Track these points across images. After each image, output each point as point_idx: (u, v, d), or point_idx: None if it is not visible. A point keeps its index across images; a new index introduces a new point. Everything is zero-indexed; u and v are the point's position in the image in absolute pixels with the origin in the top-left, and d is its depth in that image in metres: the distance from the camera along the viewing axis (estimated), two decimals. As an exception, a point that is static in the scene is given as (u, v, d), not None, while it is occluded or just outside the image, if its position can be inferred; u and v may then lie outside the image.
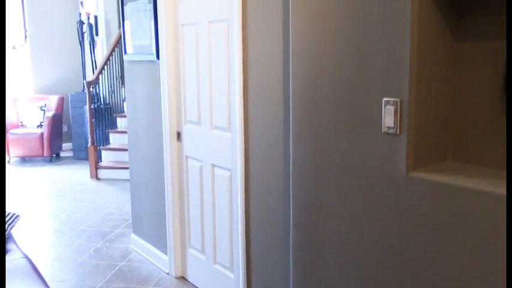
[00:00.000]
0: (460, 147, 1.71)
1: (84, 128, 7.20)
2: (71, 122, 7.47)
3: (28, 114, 7.43)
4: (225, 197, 2.89)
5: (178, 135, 3.32)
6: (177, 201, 3.40)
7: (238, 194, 2.66)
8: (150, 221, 3.75)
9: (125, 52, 3.76)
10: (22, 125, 7.43)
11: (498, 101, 1.58)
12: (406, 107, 1.62)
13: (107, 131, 6.60)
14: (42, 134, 7.14)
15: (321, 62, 1.92)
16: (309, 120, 2.00)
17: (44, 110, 7.44)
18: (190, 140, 3.19)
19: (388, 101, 1.66)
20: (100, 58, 7.65)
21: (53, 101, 7.50)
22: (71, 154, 7.72)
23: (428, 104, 1.67)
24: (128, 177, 5.35)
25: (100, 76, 6.53)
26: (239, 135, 2.60)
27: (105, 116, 6.68)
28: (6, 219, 2.65)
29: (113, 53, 6.56)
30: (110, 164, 6.34)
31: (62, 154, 7.80)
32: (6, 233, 2.61)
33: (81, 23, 7.64)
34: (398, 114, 1.64)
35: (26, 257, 2.48)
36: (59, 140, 7.52)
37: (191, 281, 3.36)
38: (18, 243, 2.68)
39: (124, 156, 6.24)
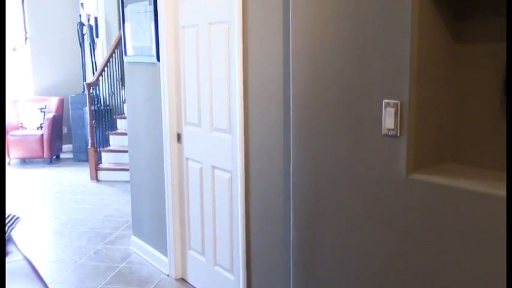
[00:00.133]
0: (460, 149, 1.71)
1: (84, 129, 7.20)
2: (71, 124, 7.47)
3: (28, 116, 7.43)
4: (225, 199, 2.89)
5: (179, 137, 3.32)
6: (177, 202, 3.40)
7: (239, 196, 2.66)
8: (150, 222, 3.74)
9: (125, 54, 3.76)
10: (22, 127, 7.43)
11: (498, 103, 1.59)
12: (406, 109, 1.62)
13: (107, 132, 6.60)
14: (42, 135, 7.14)
15: (321, 63, 1.92)
16: (309, 122, 2.00)
17: (44, 112, 7.44)
18: (191, 141, 3.19)
19: (389, 102, 1.67)
20: (100, 60, 7.65)
21: (53, 103, 7.50)
22: (71, 156, 7.72)
23: (429, 106, 1.67)
24: (128, 179, 5.34)
25: (100, 78, 6.53)
26: (239, 137, 2.60)
27: (105, 117, 6.68)
28: (7, 221, 2.65)
29: (113, 55, 6.56)
30: (110, 166, 6.33)
31: (62, 156, 7.80)
32: (7, 234, 2.61)
33: (81, 24, 7.64)
34: (399, 116, 1.64)
35: (26, 258, 2.48)
36: (59, 142, 7.52)
37: (191, 283, 3.36)
38: (18, 245, 2.68)
39: (124, 158, 6.24)
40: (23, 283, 2.19)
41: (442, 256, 1.57)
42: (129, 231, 4.38)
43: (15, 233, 4.35)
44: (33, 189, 5.93)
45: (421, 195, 1.60)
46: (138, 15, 3.53)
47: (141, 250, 3.86)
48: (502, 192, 1.39)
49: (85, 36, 7.69)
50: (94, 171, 6.26)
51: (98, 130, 6.47)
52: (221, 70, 2.78)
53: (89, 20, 7.64)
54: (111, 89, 6.81)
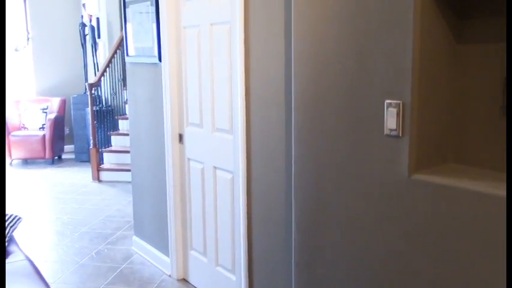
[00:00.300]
0: (461, 149, 1.70)
1: (86, 130, 7.21)
2: (73, 124, 7.48)
3: (30, 116, 7.44)
4: (227, 199, 2.89)
5: (180, 138, 3.32)
6: (178, 203, 3.40)
7: (240, 196, 2.66)
8: (151, 223, 3.75)
9: (127, 54, 3.77)
10: (24, 127, 7.44)
11: (499, 103, 1.58)
12: (409, 109, 1.62)
13: (108, 133, 6.61)
14: (44, 136, 7.15)
15: (323, 64, 1.92)
16: (311, 122, 2.00)
17: (46, 112, 7.45)
18: (192, 142, 3.19)
19: (391, 103, 1.66)
20: (102, 60, 7.65)
21: (55, 103, 7.51)
22: (72, 156, 7.73)
23: (430, 106, 1.67)
24: (130, 179, 5.35)
25: (102, 78, 6.53)
26: (241, 137, 2.60)
27: (107, 118, 6.69)
28: (8, 221, 2.65)
29: (115, 55, 6.57)
30: (112, 166, 6.34)
31: (63, 156, 7.81)
32: (8, 235, 2.61)
33: (83, 25, 7.65)
34: (401, 116, 1.64)
35: (28, 259, 2.48)
36: (60, 142, 7.53)
37: (193, 283, 3.36)
38: (20, 245, 2.68)
39: (126, 159, 6.24)
40: (24, 283, 2.19)
41: (443, 256, 1.56)
42: (130, 231, 4.38)
43: (17, 233, 4.35)
44: (35, 189, 5.94)
45: (423, 196, 1.60)
46: (140, 16, 3.53)
47: (142, 250, 3.86)
48: (503, 192, 1.39)
49: (87, 37, 7.70)
50: (96, 172, 6.26)
51: (99, 131, 6.47)
52: (223, 71, 2.78)
53: (90, 20, 7.65)
54: (113, 89, 6.81)
